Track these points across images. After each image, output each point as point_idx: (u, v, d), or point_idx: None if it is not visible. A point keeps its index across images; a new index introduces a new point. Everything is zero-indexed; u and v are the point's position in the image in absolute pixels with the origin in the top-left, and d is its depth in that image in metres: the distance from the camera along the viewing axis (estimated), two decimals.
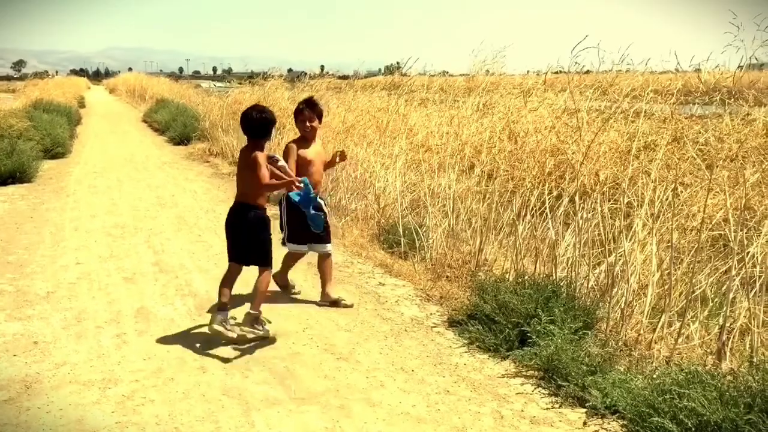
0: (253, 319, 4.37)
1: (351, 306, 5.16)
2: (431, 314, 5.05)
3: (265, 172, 4.33)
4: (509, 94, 7.01)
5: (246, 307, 4.50)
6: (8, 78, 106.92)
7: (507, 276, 5.18)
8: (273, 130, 4.53)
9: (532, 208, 5.63)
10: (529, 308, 4.34)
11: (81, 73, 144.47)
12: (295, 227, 5.14)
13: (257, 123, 4.39)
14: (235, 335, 4.26)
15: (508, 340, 4.28)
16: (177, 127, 16.91)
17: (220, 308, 4.34)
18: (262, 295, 4.46)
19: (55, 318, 4.74)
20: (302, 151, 5.11)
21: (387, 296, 5.45)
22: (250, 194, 4.45)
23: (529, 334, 4.19)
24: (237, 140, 12.71)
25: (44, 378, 3.80)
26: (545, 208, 5.35)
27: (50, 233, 7.25)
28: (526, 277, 4.87)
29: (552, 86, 7.00)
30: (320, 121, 5.29)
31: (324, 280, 5.25)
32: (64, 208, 8.68)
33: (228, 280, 4.48)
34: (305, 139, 5.19)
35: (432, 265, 6.06)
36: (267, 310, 4.91)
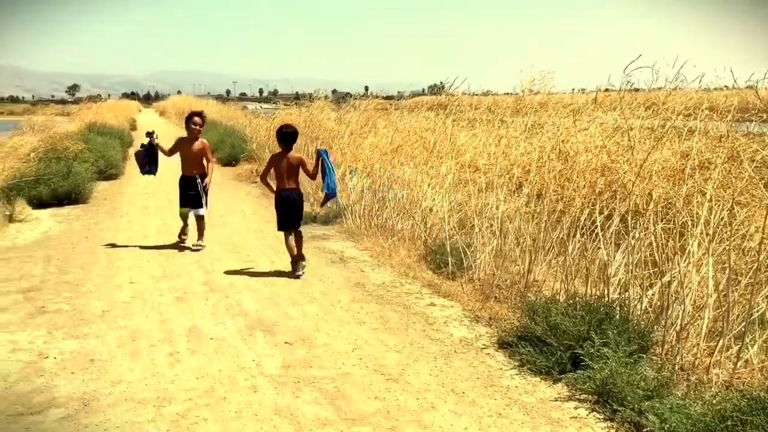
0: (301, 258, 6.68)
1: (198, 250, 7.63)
2: (480, 335, 5.00)
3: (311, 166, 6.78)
4: (558, 114, 6.95)
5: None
6: (63, 102, 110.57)
7: (557, 297, 5.10)
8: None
9: (582, 228, 5.56)
10: (581, 330, 4.27)
11: (132, 96, 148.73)
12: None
13: (291, 135, 6.67)
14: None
15: (561, 363, 4.21)
16: (225, 149, 17.20)
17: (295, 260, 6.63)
18: (301, 244, 6.71)
19: (111, 336, 4.85)
20: None
21: (436, 317, 5.42)
22: (296, 183, 6.69)
23: (581, 357, 4.11)
24: None
25: (101, 395, 3.87)
26: (596, 228, 5.27)
27: (105, 253, 7.44)
28: (578, 299, 4.80)
29: (601, 105, 6.92)
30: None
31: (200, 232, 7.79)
32: (118, 228, 8.90)
33: (290, 241, 6.61)
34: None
35: (480, 285, 6.01)
36: (313, 330, 4.96)
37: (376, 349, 4.68)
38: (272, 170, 6.69)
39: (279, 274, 6.62)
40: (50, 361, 4.37)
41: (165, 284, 6.23)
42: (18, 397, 3.85)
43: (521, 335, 4.67)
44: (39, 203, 10.35)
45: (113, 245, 7.83)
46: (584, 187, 5.64)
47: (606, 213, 5.45)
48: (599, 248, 5.19)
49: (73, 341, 4.74)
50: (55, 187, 10.62)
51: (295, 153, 6.69)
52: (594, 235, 5.37)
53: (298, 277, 6.48)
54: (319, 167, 6.70)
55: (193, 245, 7.73)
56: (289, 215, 6.60)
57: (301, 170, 6.69)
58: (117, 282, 6.28)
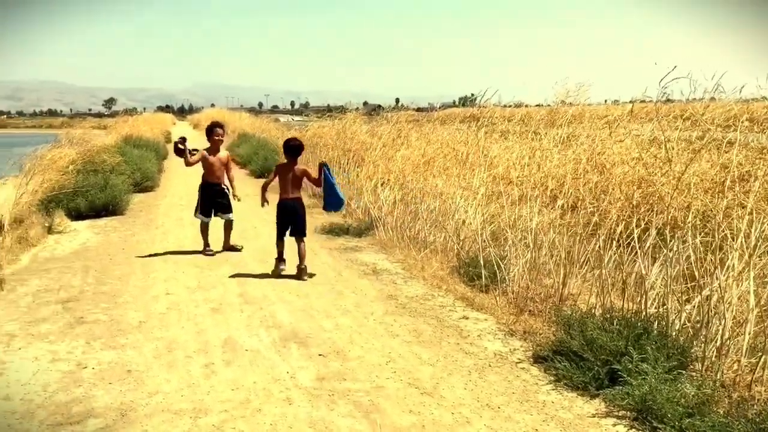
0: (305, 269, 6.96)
1: (240, 249, 8.27)
2: (515, 349, 4.95)
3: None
4: (593, 125, 6.89)
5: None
6: (100, 115, 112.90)
7: (593, 311, 5.03)
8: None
9: (618, 241, 5.48)
10: (618, 345, 4.20)
11: (167, 109, 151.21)
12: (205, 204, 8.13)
13: (298, 148, 7.15)
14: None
15: (598, 378, 4.14)
16: (258, 161, 17.34)
17: (280, 258, 7.09)
18: (305, 253, 7.02)
19: (147, 347, 4.90)
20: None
21: (469, 330, 5.38)
22: (299, 193, 7.15)
23: (619, 373, 4.04)
24: (315, 173, 12.97)
25: (138, 406, 3.92)
26: (632, 241, 5.20)
27: (141, 264, 7.55)
28: (614, 313, 4.72)
29: (637, 116, 6.84)
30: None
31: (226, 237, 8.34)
32: (154, 239, 9.02)
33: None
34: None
35: (514, 298, 5.96)
36: (347, 343, 4.96)
37: (410, 363, 4.66)
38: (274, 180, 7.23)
39: (312, 286, 6.65)
40: (88, 372, 4.43)
41: (200, 295, 6.29)
42: (57, 406, 3.92)
43: (557, 349, 4.61)
44: (77, 215, 10.56)
45: (149, 256, 7.93)
46: (620, 199, 5.57)
47: (642, 226, 5.38)
48: (635, 261, 5.11)
49: (111, 352, 4.81)
50: (93, 199, 10.83)
51: (299, 165, 7.18)
52: (630, 248, 5.29)
53: (304, 279, 6.88)
54: (322, 181, 7.08)
55: (237, 246, 8.37)
56: (289, 222, 7.03)
57: (305, 179, 7.17)
58: (153, 293, 6.36)
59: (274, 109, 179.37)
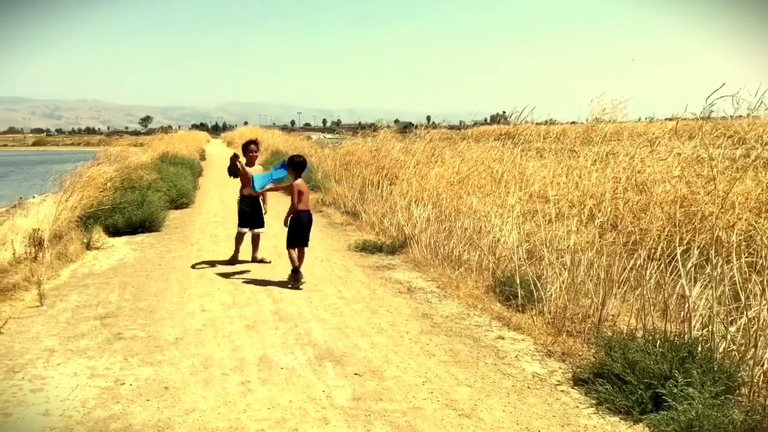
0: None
1: (270, 262, 8.59)
2: (554, 371, 4.86)
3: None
4: (632, 143, 6.78)
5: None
6: (137, 133, 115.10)
7: (635, 332, 4.92)
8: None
9: (659, 260, 5.37)
10: (662, 368, 4.09)
11: (201, 127, 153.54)
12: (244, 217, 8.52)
13: (305, 164, 7.73)
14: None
15: (641, 402, 4.03)
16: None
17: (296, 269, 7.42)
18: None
19: (184, 364, 4.92)
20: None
21: (506, 351, 5.30)
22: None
23: (663, 397, 3.93)
24: (349, 191, 12.99)
25: (175, 423, 3.92)
26: (675, 261, 5.08)
27: (177, 281, 7.61)
28: (657, 335, 4.61)
29: (678, 134, 6.73)
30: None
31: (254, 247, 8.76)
32: (189, 256, 9.10)
33: (298, 256, 7.46)
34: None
35: (552, 318, 5.86)
36: (383, 362, 4.91)
37: (447, 383, 4.59)
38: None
39: (346, 304, 6.62)
40: (126, 388, 4.45)
41: (235, 312, 6.31)
42: (95, 423, 3.94)
43: (598, 372, 4.50)
44: (115, 231, 10.71)
45: (185, 273, 7.99)
46: (662, 218, 5.46)
47: (684, 246, 5.26)
48: (677, 282, 4.99)
49: (148, 368, 4.83)
50: (130, 216, 10.97)
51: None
52: (672, 268, 5.17)
53: (300, 288, 7.28)
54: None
55: (264, 259, 8.74)
56: (306, 233, 7.50)
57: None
58: (189, 309, 6.40)
59: (306, 127, 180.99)
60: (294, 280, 7.37)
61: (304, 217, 7.46)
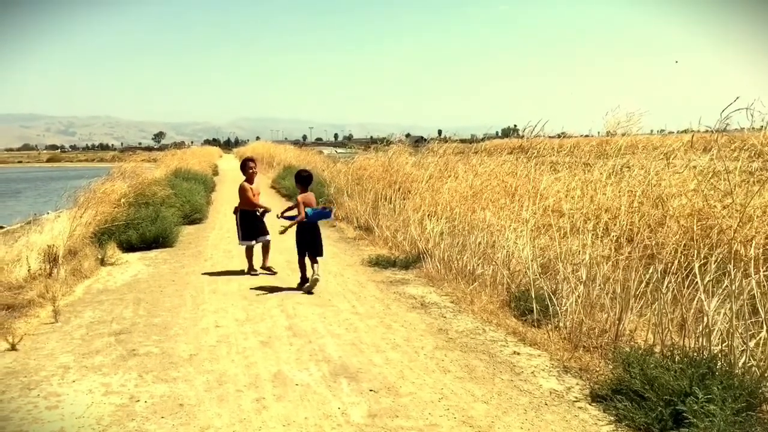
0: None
1: (276, 273, 8.89)
2: (571, 387, 4.80)
3: None
4: (647, 156, 6.74)
5: None
6: (150, 148, 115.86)
7: (653, 347, 4.86)
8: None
9: (676, 274, 5.31)
10: (682, 385, 4.03)
11: (213, 142, 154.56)
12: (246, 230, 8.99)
13: (311, 178, 8.25)
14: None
15: (661, 420, 3.96)
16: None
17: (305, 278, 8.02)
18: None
19: (198, 380, 4.90)
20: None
21: (522, 366, 5.25)
22: None
23: (684, 414, 3.87)
24: (362, 205, 12.99)
25: None
26: (693, 275, 5.02)
27: (191, 296, 7.61)
28: (675, 350, 4.55)
29: (693, 147, 6.67)
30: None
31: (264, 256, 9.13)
32: (203, 271, 9.11)
33: (305, 264, 8.03)
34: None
35: (567, 333, 5.80)
36: (398, 378, 4.87)
37: (463, 399, 4.55)
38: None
39: (361, 319, 6.60)
40: (141, 405, 4.44)
41: (249, 328, 6.30)
42: None
43: (615, 388, 4.45)
44: (128, 247, 10.77)
45: (198, 288, 8.00)
46: (678, 232, 5.41)
47: (702, 260, 5.20)
48: (695, 297, 4.93)
49: (163, 385, 4.82)
50: (144, 231, 11.03)
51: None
52: (689, 282, 5.11)
53: (312, 293, 7.71)
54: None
55: (271, 270, 9.03)
56: (311, 242, 7.87)
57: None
58: (203, 325, 6.39)
59: (318, 141, 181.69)
60: (300, 287, 7.94)
61: (308, 224, 7.83)
